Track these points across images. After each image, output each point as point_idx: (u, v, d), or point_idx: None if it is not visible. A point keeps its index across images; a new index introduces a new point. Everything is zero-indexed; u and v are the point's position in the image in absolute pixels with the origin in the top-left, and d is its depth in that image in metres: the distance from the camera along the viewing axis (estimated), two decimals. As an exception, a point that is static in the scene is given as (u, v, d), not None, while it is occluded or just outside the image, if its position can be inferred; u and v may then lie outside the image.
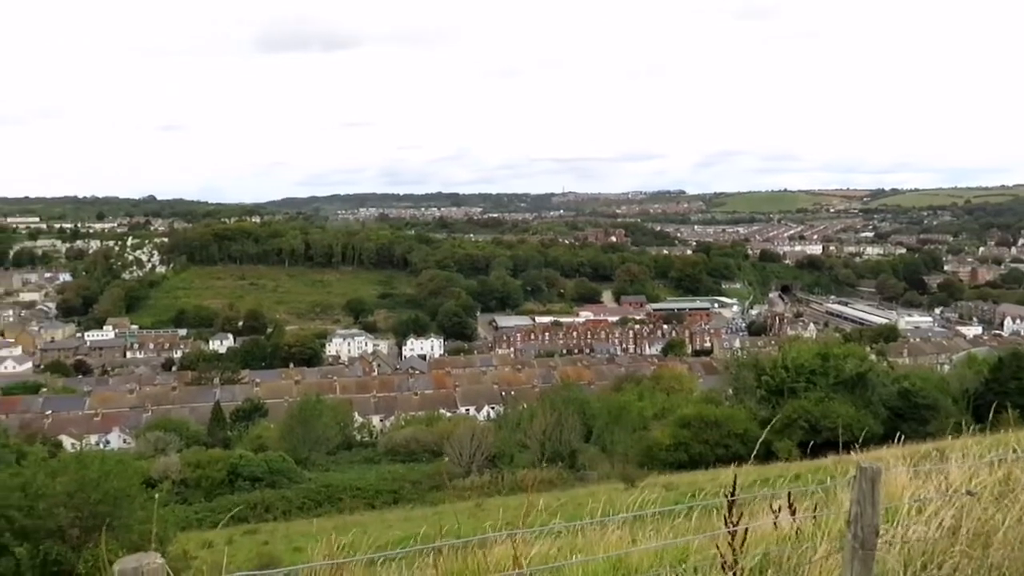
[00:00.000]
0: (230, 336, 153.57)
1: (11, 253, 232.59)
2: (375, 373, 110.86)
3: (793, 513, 4.40)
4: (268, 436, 54.79)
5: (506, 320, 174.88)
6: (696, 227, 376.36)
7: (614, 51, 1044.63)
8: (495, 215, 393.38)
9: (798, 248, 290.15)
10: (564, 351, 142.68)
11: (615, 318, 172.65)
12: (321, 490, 40.94)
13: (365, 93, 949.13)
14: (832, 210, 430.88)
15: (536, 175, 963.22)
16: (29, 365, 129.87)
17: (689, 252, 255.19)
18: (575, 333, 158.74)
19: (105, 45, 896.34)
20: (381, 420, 74.66)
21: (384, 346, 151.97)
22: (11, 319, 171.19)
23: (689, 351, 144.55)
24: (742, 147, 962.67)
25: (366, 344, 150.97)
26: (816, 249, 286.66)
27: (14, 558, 8.78)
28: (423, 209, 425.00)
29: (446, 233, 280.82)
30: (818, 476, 9.27)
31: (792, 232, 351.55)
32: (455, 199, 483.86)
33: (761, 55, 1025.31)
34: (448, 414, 73.42)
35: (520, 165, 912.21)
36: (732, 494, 3.91)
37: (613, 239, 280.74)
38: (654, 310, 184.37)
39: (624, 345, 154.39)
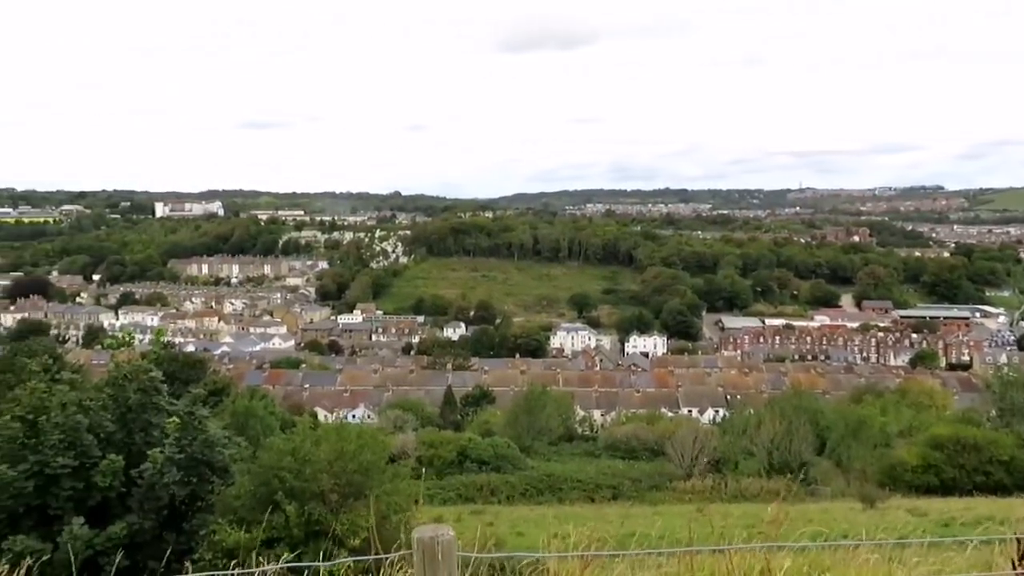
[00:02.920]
0: (462, 325, 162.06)
1: (280, 243, 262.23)
2: (597, 368, 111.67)
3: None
4: (495, 422, 56.99)
5: (733, 321, 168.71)
6: (955, 227, 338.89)
7: (866, 34, 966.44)
8: (724, 212, 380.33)
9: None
10: (796, 356, 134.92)
11: (855, 324, 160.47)
12: (543, 479, 41.82)
13: (597, 89, 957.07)
14: None
15: (771, 170, 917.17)
16: (292, 343, 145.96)
17: (946, 254, 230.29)
18: (809, 338, 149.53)
19: (364, 52, 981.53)
20: (602, 415, 75.09)
21: (607, 341, 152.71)
22: (279, 301, 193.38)
23: (943, 364, 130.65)
24: (1016, 136, 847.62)
25: (589, 339, 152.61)
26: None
27: (284, 514, 9.86)
28: (650, 205, 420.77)
29: (673, 230, 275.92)
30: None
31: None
32: (683, 195, 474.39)
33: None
34: (670, 414, 72.20)
35: (754, 159, 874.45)
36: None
37: (855, 238, 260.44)
38: (901, 317, 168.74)
39: (864, 354, 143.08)
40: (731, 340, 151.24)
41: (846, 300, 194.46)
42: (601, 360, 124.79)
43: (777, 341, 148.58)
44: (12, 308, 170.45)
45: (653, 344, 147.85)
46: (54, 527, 9.71)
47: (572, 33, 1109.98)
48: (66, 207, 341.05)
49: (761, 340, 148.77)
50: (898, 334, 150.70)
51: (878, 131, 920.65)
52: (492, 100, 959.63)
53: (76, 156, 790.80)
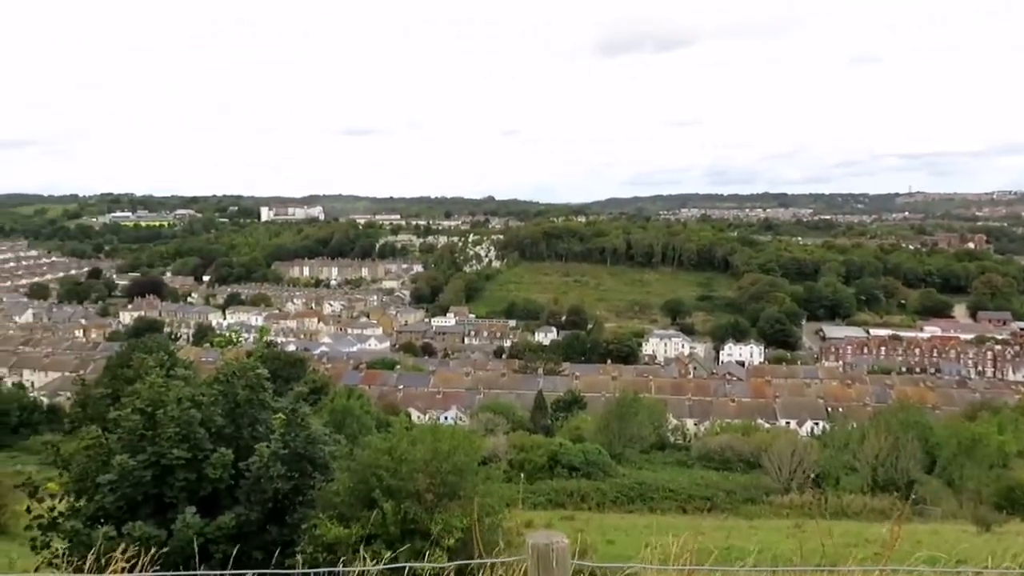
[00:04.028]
0: (554, 329, 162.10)
1: (377, 246, 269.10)
2: (691, 376, 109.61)
3: None
4: (585, 428, 56.77)
5: (835, 330, 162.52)
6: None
7: (984, 28, 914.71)
8: (827, 217, 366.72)
9: None
10: (903, 368, 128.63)
11: (969, 336, 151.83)
12: (634, 486, 41.40)
13: (695, 91, 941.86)
14: None
15: (878, 173, 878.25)
16: (387, 344, 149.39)
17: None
18: (918, 350, 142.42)
19: (460, 58, 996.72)
20: (695, 424, 73.61)
21: (701, 349, 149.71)
22: (375, 303, 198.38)
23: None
24: None
25: (683, 346, 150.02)
26: None
27: (381, 512, 10.09)
28: (747, 210, 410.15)
29: (771, 235, 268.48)
30: None
31: None
32: (783, 199, 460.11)
33: None
34: (766, 425, 70.11)
35: (860, 162, 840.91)
36: None
37: (970, 245, 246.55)
38: (1021, 329, 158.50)
39: (979, 367, 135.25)
40: (832, 350, 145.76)
41: (959, 310, 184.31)
42: (695, 368, 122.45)
43: (882, 352, 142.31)
44: (130, 306, 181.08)
45: (749, 352, 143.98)
46: (168, 515, 10.25)
47: (670, 34, 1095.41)
48: (179, 211, 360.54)
49: (865, 351, 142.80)
50: (1017, 347, 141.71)
51: (998, 131, 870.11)
52: (587, 104, 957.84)
53: (190, 164, 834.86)
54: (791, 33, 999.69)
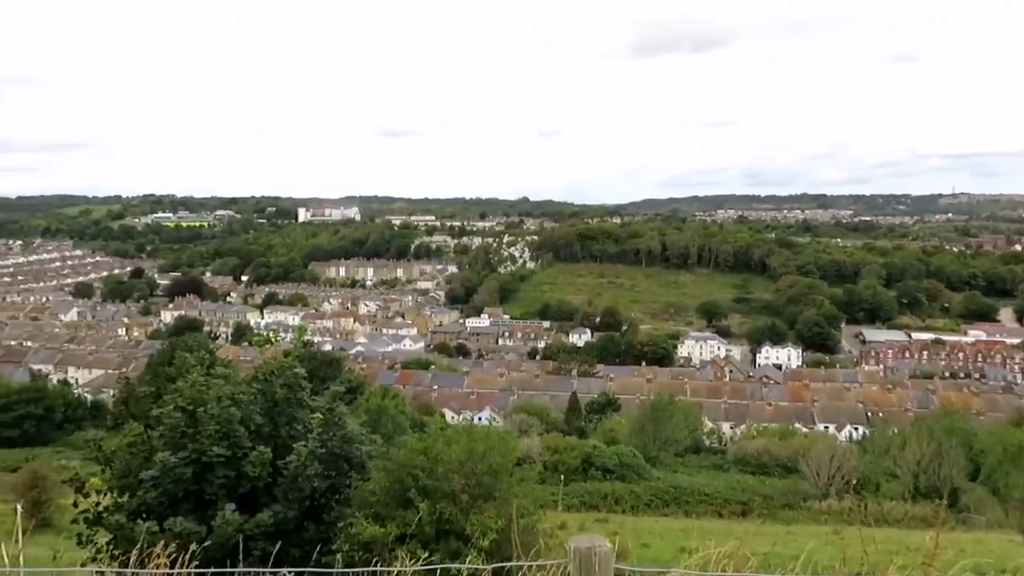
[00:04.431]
0: (588, 331, 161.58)
1: (412, 247, 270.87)
2: (727, 379, 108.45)
3: None
4: (620, 430, 56.48)
5: (875, 334, 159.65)
6: None
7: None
8: (867, 218, 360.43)
9: None
10: (946, 374, 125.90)
11: (1015, 340, 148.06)
12: (669, 490, 41.10)
13: (731, 91, 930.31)
14: None
15: (921, 173, 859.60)
16: (422, 344, 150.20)
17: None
18: (961, 354, 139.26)
19: (497, 59, 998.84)
20: (731, 427, 72.87)
21: (737, 352, 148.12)
22: (410, 303, 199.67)
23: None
24: None
25: (718, 348, 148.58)
26: None
27: (417, 512, 10.14)
28: (785, 211, 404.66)
29: (810, 237, 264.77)
30: None
31: None
32: (822, 200, 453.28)
33: None
34: (804, 429, 69.11)
35: (902, 162, 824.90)
36: None
37: (1017, 247, 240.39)
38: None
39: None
40: (873, 354, 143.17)
41: (1005, 315, 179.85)
42: (731, 371, 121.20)
43: (925, 356, 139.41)
44: (170, 305, 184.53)
45: (787, 356, 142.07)
46: (208, 512, 10.41)
47: (707, 34, 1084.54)
48: (219, 212, 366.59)
49: (906, 355, 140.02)
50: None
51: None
52: (622, 104, 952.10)
53: (229, 165, 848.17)
54: (830, 32, 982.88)
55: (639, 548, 24.67)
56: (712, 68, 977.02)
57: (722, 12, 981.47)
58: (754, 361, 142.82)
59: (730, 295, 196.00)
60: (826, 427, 76.05)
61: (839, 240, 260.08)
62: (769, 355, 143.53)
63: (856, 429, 75.38)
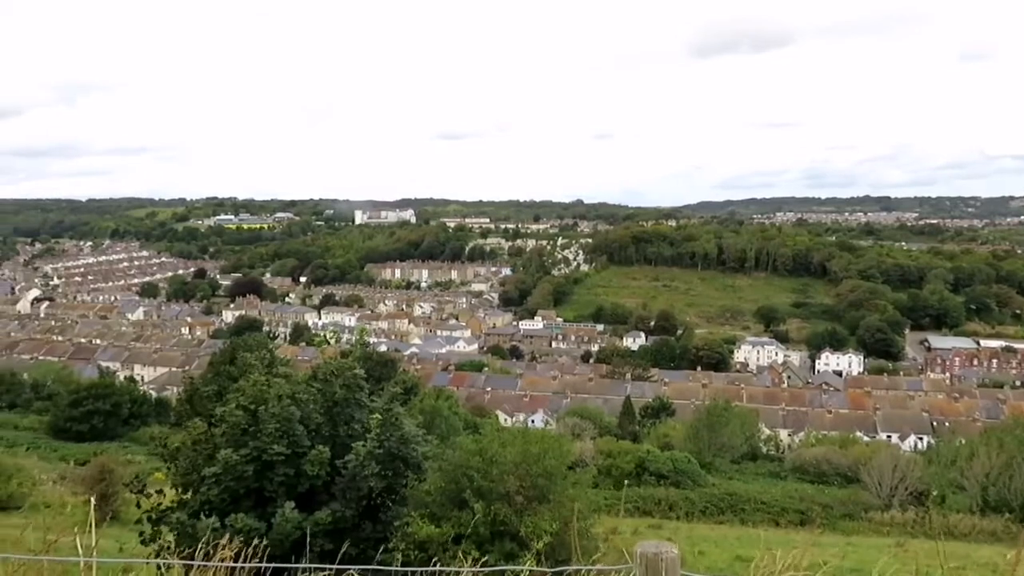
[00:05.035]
0: (642, 334, 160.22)
1: (466, 249, 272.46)
2: (784, 385, 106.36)
3: None
4: (674, 435, 55.78)
5: (941, 340, 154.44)
6: None
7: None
8: (933, 221, 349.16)
9: None
10: (1017, 382, 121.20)
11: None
12: (724, 497, 40.37)
13: (792, 92, 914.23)
14: None
15: (991, 175, 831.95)
16: (475, 346, 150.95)
17: None
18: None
19: (553, 62, 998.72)
20: (789, 435, 71.38)
21: (795, 357, 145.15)
22: (464, 305, 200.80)
23: None
24: None
25: (776, 354, 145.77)
26: None
27: (472, 512, 10.19)
28: (847, 214, 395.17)
29: (872, 240, 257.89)
30: None
31: None
32: (885, 203, 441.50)
33: None
34: (865, 438, 67.26)
35: (971, 164, 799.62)
36: None
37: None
38: None
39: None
40: (938, 361, 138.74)
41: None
42: (789, 377, 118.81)
43: (994, 364, 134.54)
44: (231, 305, 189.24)
45: (847, 362, 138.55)
46: (268, 509, 10.64)
47: (767, 34, 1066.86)
48: (279, 215, 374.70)
49: (975, 363, 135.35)
50: None
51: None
52: (679, 106, 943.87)
53: (289, 169, 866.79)
54: (895, 30, 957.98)
55: (695, 556, 24.37)
56: (773, 69, 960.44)
57: (783, 12, 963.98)
58: (813, 367, 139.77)
59: (788, 299, 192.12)
60: (889, 436, 73.97)
61: (903, 243, 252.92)
62: (829, 361, 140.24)
63: (920, 439, 73.14)
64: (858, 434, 69.04)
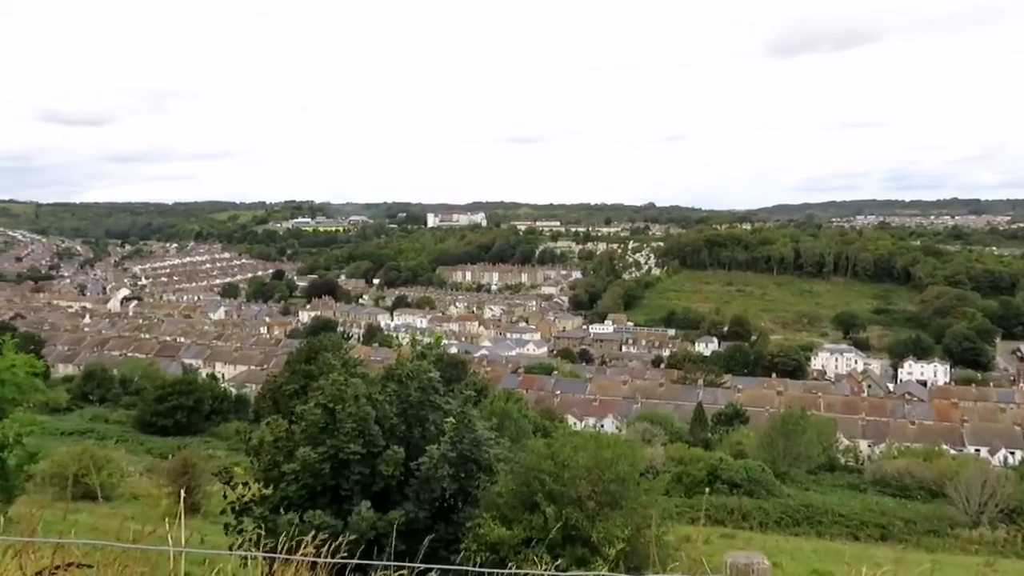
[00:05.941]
0: (715, 340, 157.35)
1: (537, 252, 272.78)
2: (865, 394, 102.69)
3: None
4: (747, 443, 54.59)
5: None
6: None
7: None
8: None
9: None
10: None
11: None
12: (800, 508, 39.30)
13: (876, 91, 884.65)
14: None
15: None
16: (545, 349, 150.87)
17: None
18: None
19: (626, 63, 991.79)
20: (869, 446, 68.98)
21: (876, 366, 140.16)
22: (534, 308, 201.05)
23: None
24: None
25: (856, 361, 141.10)
26: None
27: (543, 516, 10.18)
28: (932, 217, 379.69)
29: (960, 244, 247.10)
30: None
31: None
32: (974, 206, 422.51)
33: None
34: (952, 451, 64.39)
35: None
36: None
37: None
38: None
39: None
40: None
41: None
42: (869, 386, 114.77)
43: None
44: (307, 306, 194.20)
45: (932, 372, 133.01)
46: (344, 506, 10.86)
47: (851, 32, 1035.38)
48: (353, 218, 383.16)
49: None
50: None
51: None
52: (755, 106, 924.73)
53: (364, 172, 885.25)
54: (985, 26, 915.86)
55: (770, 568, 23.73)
56: (856, 67, 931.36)
57: (868, 9, 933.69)
58: (895, 376, 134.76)
59: (869, 306, 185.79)
60: (977, 450, 70.67)
61: (994, 248, 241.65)
62: (912, 370, 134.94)
63: (1012, 453, 69.67)
64: (944, 447, 66.17)
